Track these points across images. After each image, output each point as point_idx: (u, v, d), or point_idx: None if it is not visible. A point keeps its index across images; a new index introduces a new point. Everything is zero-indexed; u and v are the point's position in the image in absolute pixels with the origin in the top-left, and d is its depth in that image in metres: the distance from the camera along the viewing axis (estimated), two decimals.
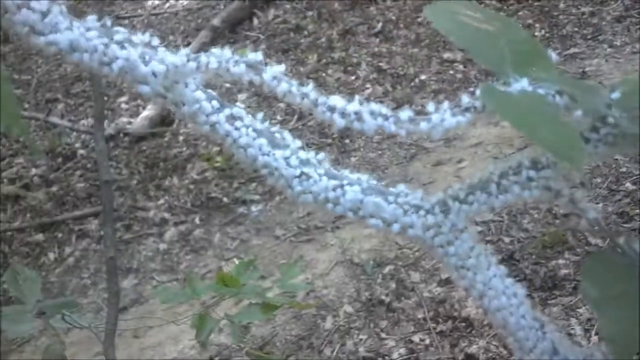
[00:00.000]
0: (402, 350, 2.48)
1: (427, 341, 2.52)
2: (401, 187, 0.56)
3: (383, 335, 2.56)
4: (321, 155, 0.56)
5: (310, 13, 3.96)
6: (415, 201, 0.55)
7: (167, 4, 4.08)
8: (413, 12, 3.89)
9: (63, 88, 3.77)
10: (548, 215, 2.83)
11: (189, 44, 3.61)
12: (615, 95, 0.52)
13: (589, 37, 3.56)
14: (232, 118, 0.54)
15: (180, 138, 3.40)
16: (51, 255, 2.94)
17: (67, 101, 3.70)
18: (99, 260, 2.92)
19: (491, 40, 0.53)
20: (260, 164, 0.55)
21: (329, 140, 3.30)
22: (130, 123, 3.42)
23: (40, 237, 2.99)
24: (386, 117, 0.52)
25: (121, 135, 3.33)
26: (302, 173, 0.54)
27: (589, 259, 0.49)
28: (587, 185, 2.88)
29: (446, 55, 3.59)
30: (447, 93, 3.52)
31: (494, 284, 0.56)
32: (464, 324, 2.55)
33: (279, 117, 3.43)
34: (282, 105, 3.43)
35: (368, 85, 3.55)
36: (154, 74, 0.51)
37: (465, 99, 0.52)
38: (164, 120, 3.44)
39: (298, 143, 0.55)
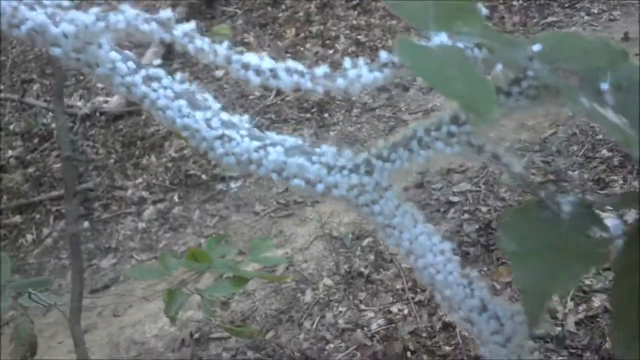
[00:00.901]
0: (381, 321, 2.50)
1: (406, 311, 2.54)
2: (325, 147, 0.55)
3: (362, 306, 2.58)
4: (244, 117, 0.55)
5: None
6: (339, 161, 0.55)
7: None
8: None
9: (38, 68, 3.73)
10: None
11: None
12: (537, 48, 0.52)
13: (566, 5, 3.54)
14: (149, 79, 0.53)
15: None
16: (29, 237, 2.93)
17: (43, 81, 3.67)
18: None
19: None
20: (180, 126, 0.54)
21: (308, 115, 3.28)
22: (106, 102, 3.39)
23: (17, 218, 2.98)
24: (302, 74, 0.51)
25: (97, 114, 3.31)
26: (224, 134, 0.54)
27: (508, 213, 0.48)
28: (563, 153, 2.88)
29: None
30: None
31: (420, 242, 0.56)
32: None
33: (257, 93, 3.41)
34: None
35: (346, 59, 3.52)
36: (65, 35, 0.50)
37: (383, 54, 0.52)
38: None
39: (218, 104, 0.55)
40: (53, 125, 3.36)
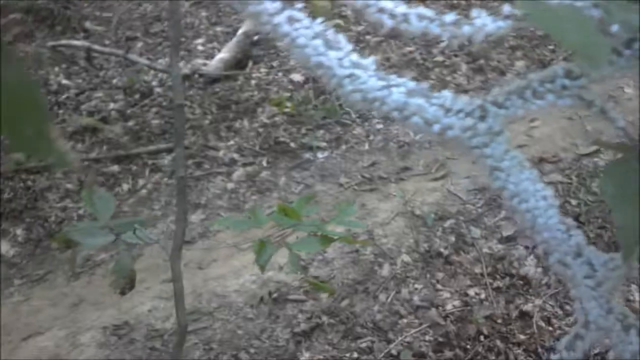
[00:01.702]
0: (457, 302, 2.53)
1: (483, 295, 2.56)
2: (445, 92, 0.61)
3: (439, 286, 2.62)
4: (371, 59, 0.62)
5: None
6: (456, 105, 0.61)
7: None
8: None
9: (142, 27, 3.92)
10: (607, 165, 2.79)
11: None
12: None
13: None
14: (292, 20, 0.61)
15: (253, 82, 3.50)
16: (125, 186, 3.11)
17: (146, 40, 3.85)
18: (170, 194, 3.06)
19: None
20: (315, 63, 0.61)
21: None
22: (205, 65, 3.54)
23: (115, 168, 3.16)
24: (431, 20, 0.57)
25: (196, 76, 3.46)
26: (353, 74, 0.61)
27: (612, 162, 0.54)
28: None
29: None
30: (525, 50, 3.47)
31: (525, 186, 0.61)
32: (521, 282, 2.58)
33: None
34: None
35: (443, 38, 3.53)
36: None
37: (506, 7, 0.57)
38: (238, 63, 3.54)
39: (350, 47, 0.62)
40: (154, 83, 3.54)
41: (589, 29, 0.50)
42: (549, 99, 0.57)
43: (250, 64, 3.56)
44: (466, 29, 0.57)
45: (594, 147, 3.01)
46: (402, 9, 0.57)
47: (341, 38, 0.61)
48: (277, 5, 0.60)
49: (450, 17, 0.58)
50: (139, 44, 3.79)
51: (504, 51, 3.43)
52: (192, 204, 3.01)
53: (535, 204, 0.61)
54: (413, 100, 0.60)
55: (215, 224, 2.60)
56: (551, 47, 3.45)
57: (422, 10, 0.57)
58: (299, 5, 0.60)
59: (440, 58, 3.52)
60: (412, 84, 0.61)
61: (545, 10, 0.52)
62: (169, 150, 3.12)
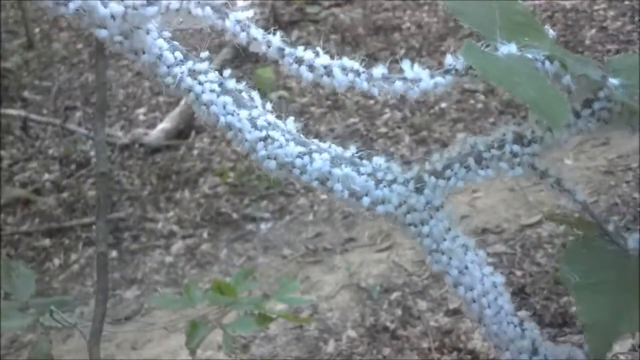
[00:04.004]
0: None
1: None
2: (377, 159, 0.51)
3: None
4: (290, 120, 0.52)
5: (334, 36, 3.96)
6: (388, 175, 0.51)
7: (193, 21, 4.11)
8: (437, 41, 3.87)
9: (83, 96, 3.80)
10: (562, 250, 2.75)
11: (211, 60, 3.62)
12: (614, 67, 0.48)
13: None
14: (195, 72, 0.51)
15: (195, 152, 3.39)
16: (56, 261, 2.92)
17: (86, 109, 3.72)
18: None
19: (483, 4, 0.49)
20: (223, 124, 0.51)
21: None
22: (146, 134, 3.42)
23: (47, 242, 2.98)
24: (358, 73, 0.47)
25: (136, 145, 3.33)
26: (268, 136, 0.50)
27: (573, 243, 0.44)
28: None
29: (468, 84, 3.55)
30: (467, 122, 3.47)
31: (470, 271, 0.51)
32: (469, 357, 2.47)
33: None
34: None
35: (387, 110, 3.52)
36: (112, 16, 0.47)
37: (448, 59, 0.48)
38: (181, 133, 3.44)
39: (267, 105, 0.51)
40: (92, 153, 3.40)
41: (543, 84, 0.41)
42: (497, 168, 0.48)
43: (193, 133, 3.46)
44: (398, 85, 0.47)
45: (537, 218, 2.97)
46: (323, 60, 0.47)
47: (255, 95, 0.51)
48: (178, 55, 0.50)
49: (379, 70, 0.48)
50: (78, 113, 3.65)
51: (446, 123, 3.41)
52: (127, 279, 2.83)
53: (482, 292, 0.50)
54: (338, 169, 0.50)
55: (148, 302, 2.43)
56: (492, 120, 3.46)
57: (346, 62, 0.48)
58: (204, 55, 0.50)
59: (383, 129, 3.49)
60: (337, 150, 0.51)
61: (493, 62, 0.43)
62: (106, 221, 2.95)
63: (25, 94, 3.79)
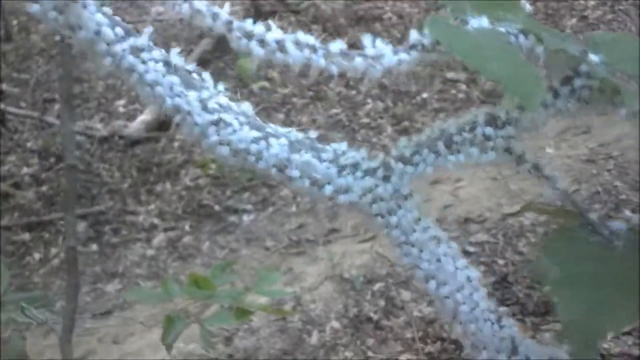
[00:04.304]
0: None
1: None
2: (337, 145, 0.46)
3: (370, 353, 2.46)
4: (245, 104, 0.47)
5: (315, 26, 3.90)
6: (352, 160, 0.46)
7: (173, 10, 4.05)
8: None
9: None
10: (542, 240, 2.73)
11: (191, 51, 3.55)
12: (594, 41, 0.43)
13: None
14: (138, 49, 0.45)
15: (176, 144, 3.33)
16: (36, 255, 2.86)
17: None
18: (84, 263, 2.83)
19: None
20: (170, 107, 0.46)
21: None
22: (126, 126, 3.35)
23: (26, 236, 2.91)
24: (314, 49, 0.42)
25: (116, 138, 3.26)
26: (220, 120, 0.45)
27: (552, 233, 0.39)
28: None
29: (450, 74, 3.52)
30: (449, 112, 3.44)
31: (443, 264, 0.46)
32: (453, 346, 2.44)
33: None
34: None
35: (369, 101, 3.48)
36: None
37: (413, 34, 0.43)
38: (161, 125, 3.37)
39: (219, 86, 0.46)
40: None
41: (516, 60, 0.36)
42: (469, 152, 0.43)
43: (173, 125, 3.39)
44: (358, 61, 0.42)
45: (519, 207, 2.95)
46: (275, 34, 0.42)
47: (206, 75, 0.46)
48: (119, 31, 0.44)
49: (337, 45, 0.43)
50: (57, 106, 3.57)
51: (428, 113, 3.37)
52: (108, 272, 2.78)
53: (456, 287, 0.46)
54: (297, 155, 0.45)
55: (125, 296, 2.38)
56: (474, 109, 3.42)
57: (301, 36, 0.43)
58: (148, 30, 0.45)
59: (366, 120, 3.44)
60: (297, 135, 0.46)
61: (461, 36, 0.38)
62: (84, 216, 2.89)
63: (3, 86, 3.71)
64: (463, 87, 3.49)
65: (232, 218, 2.99)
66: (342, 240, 2.95)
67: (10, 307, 1.49)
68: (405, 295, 2.66)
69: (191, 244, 2.89)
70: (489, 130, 0.43)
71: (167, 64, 0.45)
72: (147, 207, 3.02)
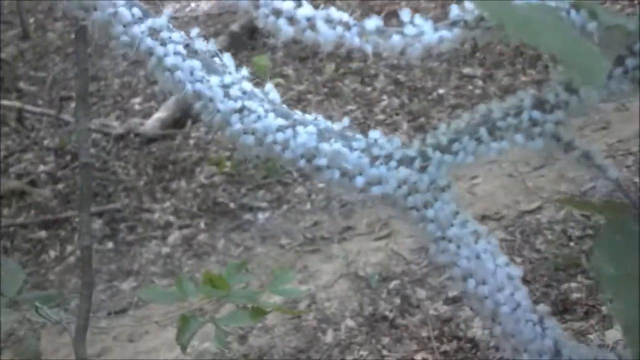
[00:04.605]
0: None
1: None
2: (373, 133, 0.43)
3: (385, 352, 2.43)
4: (269, 87, 0.43)
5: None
6: (385, 149, 0.42)
7: (188, 8, 4.02)
8: None
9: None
10: (562, 236, 2.68)
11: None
12: None
13: None
14: (156, 31, 0.42)
15: (191, 141, 3.31)
16: (52, 253, 2.85)
17: None
18: (99, 261, 2.82)
19: None
20: (191, 93, 0.42)
21: None
22: (142, 124, 3.34)
23: (42, 234, 2.90)
24: (347, 26, 0.38)
25: (132, 135, 3.25)
26: (244, 107, 0.42)
27: (605, 228, 0.35)
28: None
29: (466, 70, 3.47)
30: (465, 108, 3.39)
31: (482, 262, 0.43)
32: (469, 345, 2.40)
33: None
34: None
35: (384, 97, 3.44)
36: None
37: (454, 10, 0.39)
38: (177, 122, 3.35)
39: (243, 71, 0.43)
40: None
41: (572, 35, 0.33)
42: (513, 139, 0.39)
43: (189, 122, 3.37)
44: (396, 39, 0.38)
45: (536, 204, 2.90)
46: (305, 10, 0.38)
47: (228, 58, 0.42)
48: (136, 12, 0.41)
49: (373, 22, 0.39)
50: (73, 104, 3.56)
51: (444, 109, 3.33)
52: (124, 270, 2.76)
53: (496, 287, 0.42)
54: (327, 144, 0.41)
55: (139, 295, 2.35)
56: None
57: (334, 13, 0.39)
58: (167, 12, 0.41)
59: (381, 116, 3.40)
60: (325, 123, 0.42)
61: (510, 10, 0.34)
62: (100, 214, 2.87)
63: (21, 84, 3.70)
64: (480, 82, 3.44)
65: (247, 216, 2.96)
66: (357, 237, 2.91)
67: (25, 307, 1.47)
68: (421, 293, 2.62)
69: (206, 241, 2.87)
70: (536, 114, 0.39)
71: (187, 47, 0.42)
72: (163, 205, 2.99)
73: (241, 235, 2.92)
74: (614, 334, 2.19)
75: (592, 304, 2.32)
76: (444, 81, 3.45)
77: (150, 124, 3.30)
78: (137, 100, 3.60)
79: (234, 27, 3.70)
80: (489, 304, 0.42)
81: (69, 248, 2.86)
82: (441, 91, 3.40)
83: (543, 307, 0.43)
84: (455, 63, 3.53)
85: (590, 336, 2.21)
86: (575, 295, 2.39)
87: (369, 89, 3.50)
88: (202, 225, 2.93)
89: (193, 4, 4.07)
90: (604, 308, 2.24)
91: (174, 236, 2.89)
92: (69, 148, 3.24)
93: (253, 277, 2.00)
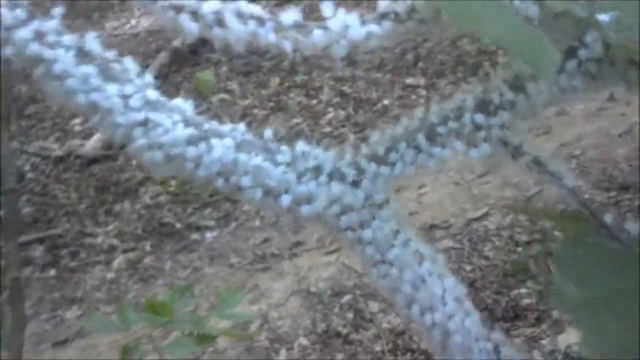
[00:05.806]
0: None
1: None
2: (298, 143, 0.37)
3: None
4: (180, 99, 0.37)
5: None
6: (314, 163, 0.36)
7: (128, 25, 3.92)
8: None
9: (15, 109, 3.56)
10: (510, 242, 2.69)
11: (147, 65, 3.43)
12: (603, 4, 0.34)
13: None
14: (43, 34, 0.35)
15: (134, 161, 3.20)
16: None
17: (19, 122, 3.49)
18: (42, 289, 2.69)
19: None
20: (86, 103, 0.36)
21: None
22: (82, 145, 3.21)
23: None
24: (261, 21, 0.33)
25: (72, 157, 3.12)
26: (148, 119, 0.36)
27: (564, 243, 0.30)
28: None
29: (409, 80, 3.47)
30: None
31: (428, 286, 0.37)
32: (422, 357, 2.38)
33: None
34: None
35: (330, 109, 3.40)
36: None
37: (383, 2, 0.34)
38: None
39: (148, 78, 0.36)
40: (26, 167, 3.17)
41: (519, 22, 0.28)
42: (455, 146, 0.34)
43: None
44: (318, 34, 0.33)
45: (483, 211, 2.90)
46: (212, 4, 0.33)
47: (129, 62, 0.36)
48: (20, 14, 0.34)
49: (291, 16, 0.33)
50: (12, 127, 3.41)
51: (389, 120, 3.31)
52: (68, 298, 2.63)
53: (445, 314, 0.36)
54: (246, 157, 0.35)
55: (83, 324, 2.24)
56: None
57: (244, 7, 0.33)
58: (57, 11, 0.35)
59: (328, 129, 3.36)
60: (244, 134, 0.36)
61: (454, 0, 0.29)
62: (41, 240, 2.74)
63: None
64: (423, 92, 3.44)
65: (195, 236, 2.88)
66: (308, 253, 2.86)
67: None
68: (374, 306, 2.59)
69: (152, 264, 2.77)
70: (479, 117, 0.34)
71: (80, 51, 0.35)
72: (106, 228, 2.88)
73: (189, 256, 2.83)
74: (565, 339, 2.19)
75: (542, 309, 2.32)
76: (389, 92, 3.44)
77: (91, 145, 3.18)
78: (77, 121, 3.47)
79: (176, 42, 3.62)
80: (438, 334, 0.37)
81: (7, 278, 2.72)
82: (386, 102, 3.39)
83: (498, 335, 0.38)
84: (399, 74, 3.53)
85: (543, 342, 2.20)
86: (525, 301, 2.38)
87: (314, 101, 3.47)
88: (147, 247, 2.83)
89: (133, 21, 3.97)
90: (554, 313, 2.24)
91: (119, 260, 2.78)
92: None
93: (200, 299, 1.92)
